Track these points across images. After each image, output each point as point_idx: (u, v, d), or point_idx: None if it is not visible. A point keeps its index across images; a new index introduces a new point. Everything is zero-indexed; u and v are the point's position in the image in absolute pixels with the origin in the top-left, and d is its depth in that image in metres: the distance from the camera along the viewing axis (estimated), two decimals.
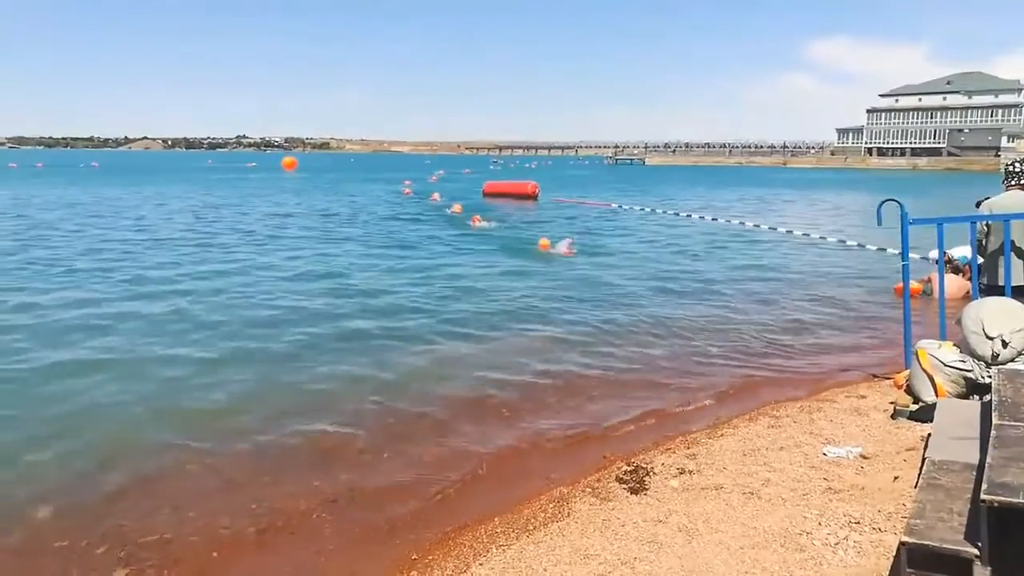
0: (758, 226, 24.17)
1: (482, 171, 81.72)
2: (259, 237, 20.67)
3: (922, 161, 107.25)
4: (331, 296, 12.19)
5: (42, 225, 22.88)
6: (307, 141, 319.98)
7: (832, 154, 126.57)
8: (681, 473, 5.29)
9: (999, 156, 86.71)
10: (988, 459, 3.44)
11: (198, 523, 4.90)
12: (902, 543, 3.29)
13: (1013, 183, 6.95)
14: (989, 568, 3.12)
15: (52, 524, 4.92)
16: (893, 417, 6.19)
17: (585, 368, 8.45)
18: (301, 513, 5.05)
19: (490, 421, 6.82)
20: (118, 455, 5.96)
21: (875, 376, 7.85)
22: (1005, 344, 5.76)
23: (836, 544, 4.03)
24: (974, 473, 3.77)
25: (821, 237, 20.80)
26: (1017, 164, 7.04)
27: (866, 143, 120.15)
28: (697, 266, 16.37)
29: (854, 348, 9.45)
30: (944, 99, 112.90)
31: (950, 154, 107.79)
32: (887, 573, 3.67)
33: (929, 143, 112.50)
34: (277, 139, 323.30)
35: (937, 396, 5.85)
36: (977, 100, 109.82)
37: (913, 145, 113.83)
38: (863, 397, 6.98)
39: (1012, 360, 5.75)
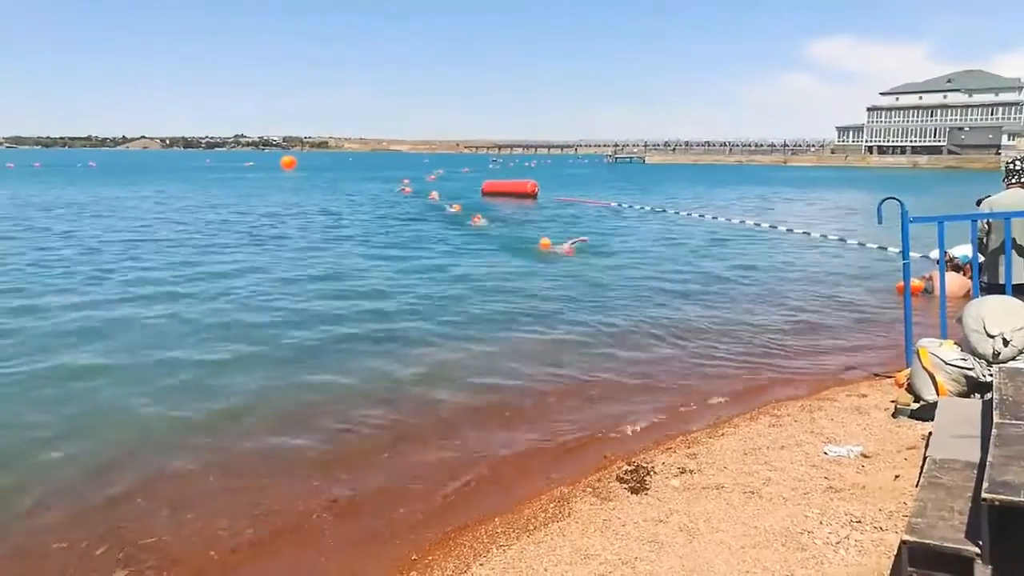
0: (758, 225, 24.17)
1: (481, 170, 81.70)
2: (258, 238, 20.62)
3: (922, 159, 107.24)
4: (330, 298, 12.16)
5: (39, 227, 22.81)
6: (305, 140, 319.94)
7: (832, 152, 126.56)
8: (682, 472, 5.28)
9: (999, 154, 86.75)
10: (989, 457, 3.43)
11: (197, 524, 4.89)
12: (903, 542, 3.28)
13: (1013, 181, 6.94)
14: (990, 567, 3.11)
15: (52, 525, 4.91)
16: (894, 416, 6.18)
17: (585, 368, 8.43)
18: (300, 514, 5.04)
19: (490, 421, 6.81)
20: (117, 457, 5.95)
21: (876, 375, 7.84)
22: (1006, 342, 5.76)
23: (837, 543, 4.02)
24: (975, 472, 3.76)
25: (822, 236, 20.79)
26: (1018, 162, 7.03)
27: (866, 141, 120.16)
28: (697, 265, 16.35)
29: (855, 347, 9.44)
30: (944, 97, 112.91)
31: (950, 152, 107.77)
32: (888, 572, 3.67)
33: (929, 141, 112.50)
34: (275, 138, 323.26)
35: (938, 395, 5.84)
36: (977, 98, 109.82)
37: (913, 143, 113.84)
38: (864, 396, 6.97)
39: (1013, 358, 5.74)
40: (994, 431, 3.77)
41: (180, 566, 4.43)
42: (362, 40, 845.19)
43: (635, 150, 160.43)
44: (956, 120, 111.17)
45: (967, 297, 8.87)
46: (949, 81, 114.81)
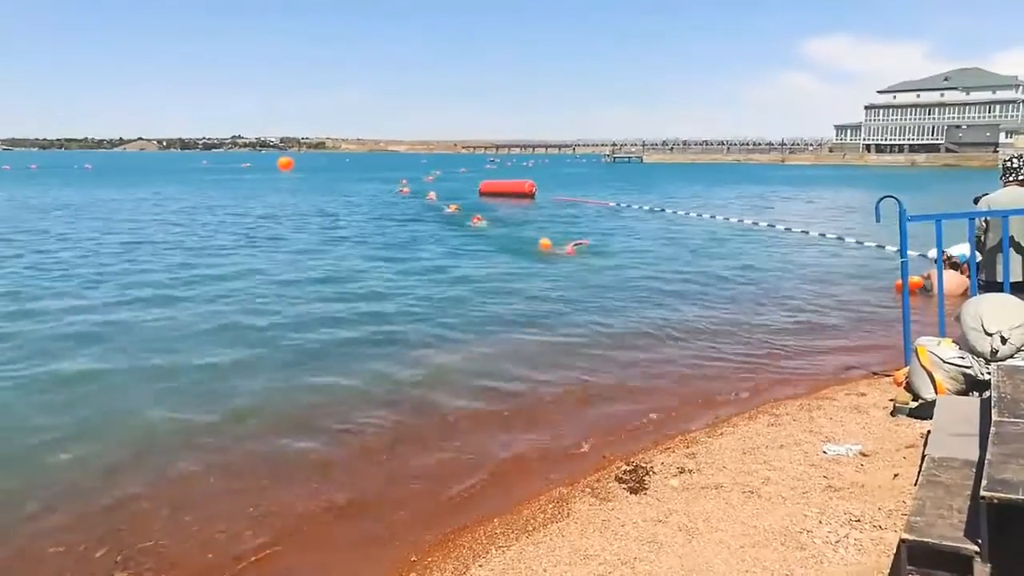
0: (756, 224, 24.17)
1: (478, 170, 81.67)
2: (255, 240, 20.58)
3: (920, 157, 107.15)
4: (329, 300, 12.15)
5: (36, 229, 22.78)
6: (303, 141, 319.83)
7: (830, 151, 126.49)
8: (681, 472, 5.28)
9: (997, 152, 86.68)
10: (988, 455, 3.43)
11: (196, 527, 4.88)
12: (902, 540, 3.28)
13: (1011, 179, 6.94)
14: (989, 564, 3.11)
15: (50, 527, 4.90)
16: (893, 414, 6.18)
17: (583, 368, 8.43)
18: (299, 516, 5.03)
19: (489, 423, 6.80)
20: (116, 460, 5.94)
21: (875, 373, 7.84)
22: (1004, 340, 5.76)
23: (837, 542, 4.02)
24: (974, 470, 3.76)
25: (820, 234, 20.79)
26: (1015, 160, 7.03)
27: (864, 140, 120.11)
28: (696, 265, 16.35)
29: (853, 345, 9.44)
30: (942, 95, 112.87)
31: (948, 150, 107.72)
32: (888, 570, 3.67)
33: (927, 139, 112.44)
34: (273, 139, 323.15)
35: (937, 393, 5.84)
36: (975, 96, 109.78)
37: (911, 141, 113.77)
38: (863, 394, 6.97)
39: (1011, 356, 5.74)
40: (992, 429, 3.77)
41: (179, 569, 4.43)
42: (360, 41, 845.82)
43: (633, 149, 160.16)
44: (954, 118, 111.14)
45: (965, 295, 8.87)
46: (946, 79, 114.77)
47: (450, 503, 5.26)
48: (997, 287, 6.63)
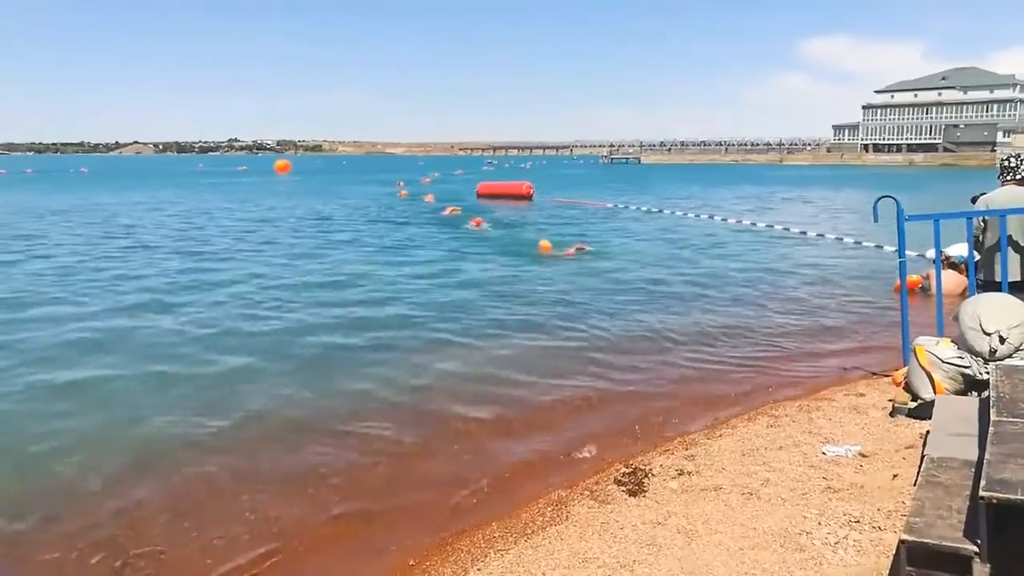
0: (755, 224, 24.16)
1: (476, 172, 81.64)
2: (253, 244, 20.50)
3: (918, 157, 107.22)
4: (327, 306, 12.07)
5: (33, 234, 22.72)
6: (299, 143, 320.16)
7: (828, 151, 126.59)
8: (680, 474, 5.27)
9: (995, 151, 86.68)
10: (986, 455, 3.42)
11: (194, 533, 4.86)
12: (902, 541, 3.27)
13: (1009, 178, 6.94)
14: (988, 565, 3.11)
15: (47, 534, 4.89)
16: (892, 415, 6.17)
17: (581, 371, 8.42)
18: (297, 522, 5.02)
19: (487, 426, 6.79)
20: (114, 466, 5.92)
21: (873, 374, 7.84)
22: (1003, 340, 5.75)
23: (836, 543, 4.02)
24: (973, 470, 3.75)
25: (818, 235, 20.79)
26: (1012, 159, 7.03)
27: (862, 139, 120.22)
28: (694, 267, 16.34)
29: (852, 346, 9.44)
30: (939, 95, 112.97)
31: (946, 150, 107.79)
32: (887, 571, 3.66)
33: (925, 139, 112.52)
34: (269, 142, 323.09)
35: (935, 393, 5.84)
36: (972, 95, 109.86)
37: (909, 141, 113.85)
38: (862, 395, 6.97)
39: (1010, 356, 5.74)
40: (991, 429, 3.76)
41: (176, 575, 4.41)
42: (359, 42, 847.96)
43: (631, 150, 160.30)
44: (951, 117, 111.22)
45: (964, 295, 8.87)
46: (944, 79, 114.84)
47: (448, 507, 5.25)
48: (995, 287, 6.63)
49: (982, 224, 6.87)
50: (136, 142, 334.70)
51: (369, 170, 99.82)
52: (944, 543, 3.17)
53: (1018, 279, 6.61)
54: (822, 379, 7.95)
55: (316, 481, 5.64)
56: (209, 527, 4.93)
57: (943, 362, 5.95)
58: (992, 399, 4.21)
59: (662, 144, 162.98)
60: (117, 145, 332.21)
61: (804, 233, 21.35)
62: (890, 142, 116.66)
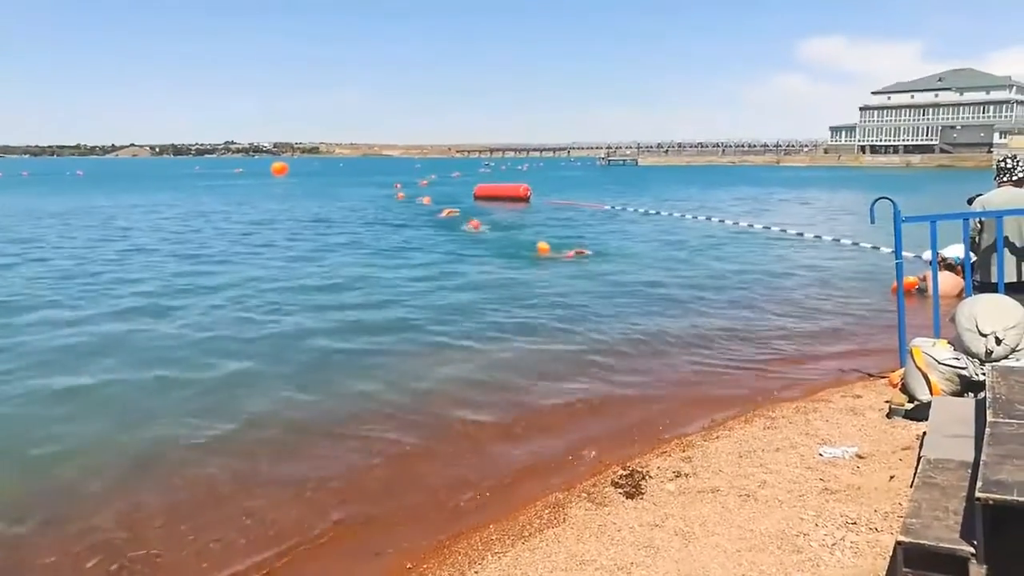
0: (752, 226, 24.20)
1: (473, 174, 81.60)
2: (250, 247, 20.43)
3: (915, 158, 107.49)
4: (325, 309, 12.01)
5: (29, 238, 22.65)
6: (296, 146, 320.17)
7: (825, 152, 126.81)
8: (677, 476, 5.27)
9: (991, 152, 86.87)
10: (983, 457, 3.43)
11: (191, 536, 4.86)
12: (898, 543, 3.27)
13: (1005, 179, 6.94)
14: (985, 566, 3.11)
15: (41, 537, 4.88)
16: (888, 416, 6.18)
17: (579, 374, 8.42)
18: (294, 525, 5.01)
19: (485, 429, 6.78)
20: (108, 468, 5.92)
21: (870, 375, 7.85)
22: (999, 341, 5.75)
23: (833, 545, 4.02)
24: (969, 471, 3.75)
25: (815, 236, 20.82)
26: (1009, 160, 7.04)
27: (859, 141, 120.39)
28: (691, 269, 16.36)
29: (849, 347, 9.44)
30: (936, 96, 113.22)
31: (943, 151, 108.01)
32: (884, 573, 3.66)
33: (922, 140, 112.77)
34: (266, 144, 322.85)
35: (932, 394, 5.84)
36: (969, 97, 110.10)
37: (906, 142, 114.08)
38: (858, 397, 6.97)
39: (1006, 357, 5.74)
40: (987, 430, 3.77)
41: None
42: (357, 43, 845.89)
43: (628, 152, 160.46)
44: (948, 119, 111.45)
45: (961, 296, 8.88)
46: (940, 80, 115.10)
47: (446, 510, 5.24)
48: (992, 288, 6.63)
49: (979, 225, 6.88)
50: (132, 144, 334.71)
51: (366, 172, 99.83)
52: (941, 544, 3.18)
53: (1014, 280, 6.62)
54: (819, 381, 7.95)
55: (313, 484, 5.63)
56: (206, 530, 4.92)
57: (939, 363, 5.95)
58: (988, 400, 4.22)
59: (659, 146, 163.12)
60: (113, 148, 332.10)
61: (801, 235, 21.39)
62: (887, 143, 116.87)
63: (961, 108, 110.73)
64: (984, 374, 5.30)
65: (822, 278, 14.77)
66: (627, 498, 4.98)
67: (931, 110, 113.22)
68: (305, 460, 6.10)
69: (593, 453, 6.10)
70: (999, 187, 6.96)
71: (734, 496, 4.81)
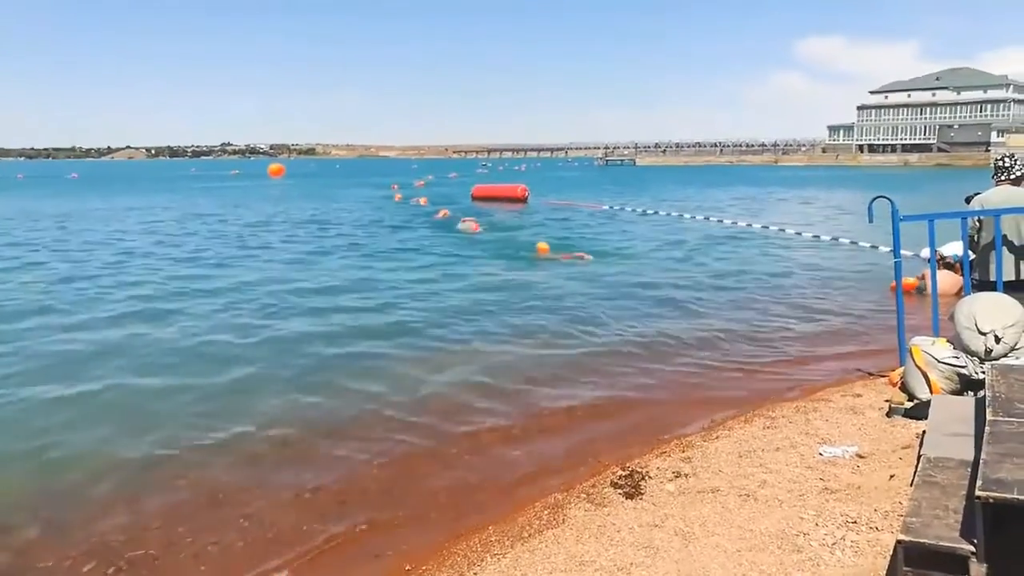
0: (750, 226, 24.19)
1: (470, 175, 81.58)
2: (246, 250, 20.30)
3: (913, 157, 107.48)
4: (322, 313, 11.91)
5: (25, 241, 22.59)
6: (292, 147, 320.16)
7: (823, 151, 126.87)
8: (676, 477, 5.26)
9: (989, 151, 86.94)
10: (983, 455, 3.42)
11: (188, 539, 4.84)
12: (899, 541, 3.27)
13: (1003, 178, 6.94)
14: (985, 564, 3.10)
15: (37, 540, 4.87)
16: (888, 415, 6.17)
17: (577, 374, 8.41)
18: (291, 528, 4.99)
19: (484, 430, 6.77)
20: (105, 470, 5.90)
21: (870, 374, 7.84)
22: (998, 339, 5.75)
23: (833, 544, 4.01)
24: (969, 469, 3.74)
25: (814, 236, 20.82)
26: (1007, 159, 7.04)
27: (857, 140, 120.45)
28: (690, 269, 16.36)
29: (848, 346, 9.44)
30: (933, 95, 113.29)
31: (940, 150, 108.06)
32: (884, 572, 3.65)
33: (919, 139, 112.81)
34: (262, 146, 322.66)
35: (932, 393, 5.83)
36: (966, 96, 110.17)
37: (904, 141, 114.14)
38: (858, 396, 6.96)
39: (1005, 355, 5.74)
40: (987, 428, 3.76)
41: None
42: (355, 44, 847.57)
43: (626, 152, 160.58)
44: (945, 118, 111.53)
45: (959, 295, 8.88)
46: (937, 79, 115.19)
47: (445, 511, 5.23)
48: (990, 286, 6.62)
49: (977, 224, 6.88)
50: (128, 147, 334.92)
51: (363, 173, 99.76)
52: (941, 543, 3.17)
53: (1013, 278, 6.62)
54: (819, 380, 7.94)
55: (312, 487, 5.62)
56: (204, 533, 4.91)
57: (939, 362, 5.95)
58: (988, 399, 4.21)
59: (657, 146, 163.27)
60: (109, 150, 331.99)
61: (800, 234, 21.38)
62: (885, 142, 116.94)
63: (958, 107, 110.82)
64: (983, 372, 5.29)
65: (821, 277, 14.77)
66: (627, 498, 4.97)
67: (928, 109, 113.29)
68: (304, 463, 6.09)
69: (592, 454, 6.08)
70: (997, 186, 6.96)
71: (734, 496, 4.80)
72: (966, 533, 3.18)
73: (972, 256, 7.08)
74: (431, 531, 4.93)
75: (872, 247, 16.80)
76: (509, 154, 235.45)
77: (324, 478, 5.76)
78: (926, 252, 10.45)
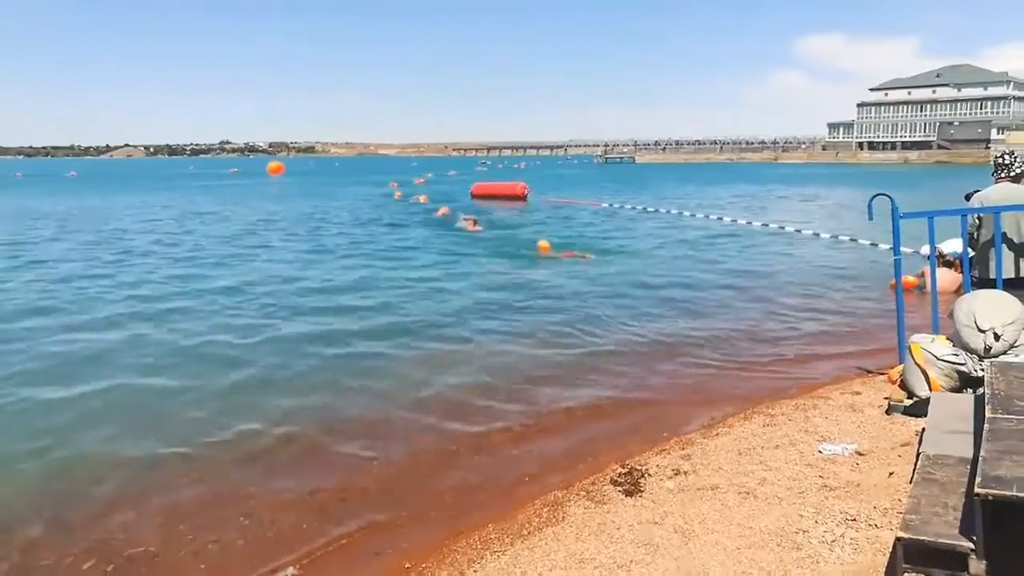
0: (750, 223, 24.21)
1: (469, 172, 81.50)
2: (244, 248, 20.28)
3: (913, 155, 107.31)
4: (322, 313, 11.88)
5: (24, 241, 22.57)
6: (291, 145, 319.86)
7: (823, 149, 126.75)
8: (676, 474, 5.26)
9: (989, 148, 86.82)
10: (982, 452, 3.43)
11: (189, 536, 4.85)
12: (898, 539, 3.27)
13: (1003, 175, 6.94)
14: (984, 561, 3.11)
15: (37, 539, 4.87)
16: (888, 412, 6.17)
17: (577, 372, 8.42)
18: (291, 525, 5.00)
19: (483, 427, 6.77)
20: (105, 469, 5.91)
21: (869, 372, 7.84)
22: (997, 337, 5.76)
23: (833, 542, 4.01)
24: (968, 467, 3.75)
25: (814, 233, 20.84)
26: (1007, 156, 7.04)
27: (857, 137, 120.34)
28: (689, 267, 16.34)
29: (848, 344, 9.43)
30: (933, 92, 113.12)
31: (940, 147, 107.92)
32: (884, 569, 3.66)
33: (919, 136, 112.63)
34: (261, 144, 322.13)
35: (931, 390, 5.84)
36: (966, 93, 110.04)
37: (903, 139, 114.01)
38: (858, 393, 6.96)
39: (1004, 353, 5.74)
40: (986, 426, 3.76)
41: None
42: (355, 43, 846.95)
43: (625, 150, 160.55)
44: (945, 115, 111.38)
45: (959, 292, 8.88)
46: (938, 76, 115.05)
47: (445, 509, 5.23)
48: (990, 284, 6.63)
49: (977, 221, 6.88)
50: (127, 145, 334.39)
51: (362, 171, 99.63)
52: (940, 540, 3.18)
53: (1012, 276, 6.62)
54: (818, 377, 7.94)
55: (312, 485, 5.62)
56: (204, 531, 4.91)
57: (938, 359, 5.95)
58: (987, 396, 4.21)
59: (657, 143, 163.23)
60: (108, 148, 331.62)
61: (799, 231, 21.40)
62: (885, 140, 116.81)
63: (958, 104, 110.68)
64: (983, 370, 5.30)
65: (820, 275, 14.76)
66: (626, 496, 4.97)
67: (929, 106, 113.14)
68: (304, 461, 6.09)
69: (592, 451, 6.09)
70: (997, 183, 6.96)
71: (734, 493, 4.81)
72: (965, 530, 3.18)
73: (972, 254, 7.08)
74: (431, 529, 4.93)
75: (872, 244, 16.82)
76: (508, 152, 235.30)
77: (324, 477, 5.76)
78: (926, 250, 10.47)
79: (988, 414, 3.92)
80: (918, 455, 4.22)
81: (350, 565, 4.55)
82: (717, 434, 6.15)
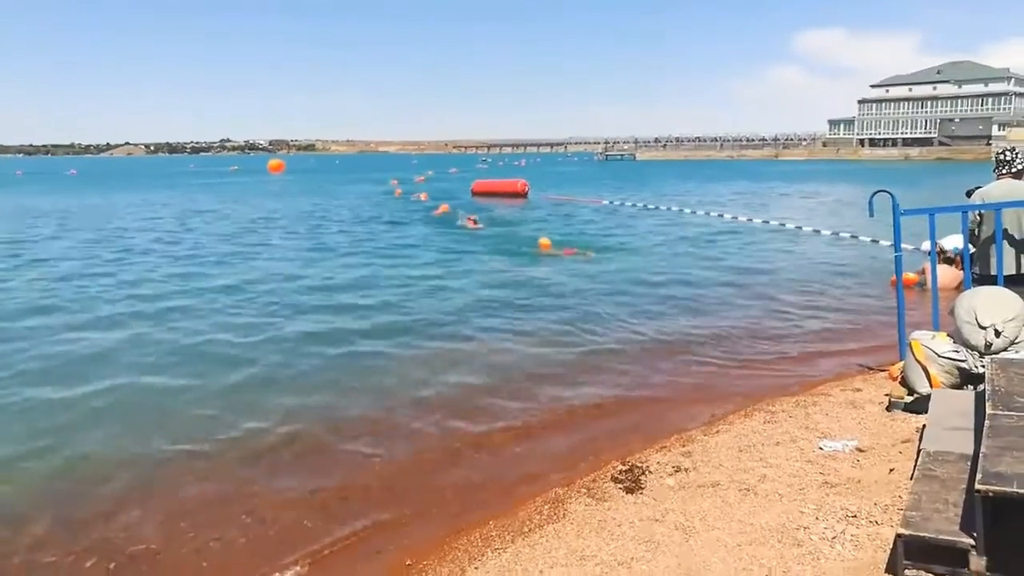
0: (751, 220, 24.19)
1: (470, 170, 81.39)
2: (245, 246, 20.27)
3: (914, 151, 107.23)
4: (322, 312, 11.86)
5: (24, 239, 22.59)
6: (292, 143, 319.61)
7: (824, 145, 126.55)
8: (677, 471, 5.27)
9: (990, 145, 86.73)
10: (982, 449, 3.43)
11: (190, 534, 4.86)
12: (898, 535, 3.28)
13: (1004, 172, 6.93)
14: (984, 557, 3.11)
15: (41, 537, 4.88)
16: (888, 409, 6.17)
17: (578, 369, 8.43)
18: (293, 522, 5.01)
19: (484, 425, 6.78)
20: (108, 468, 5.91)
21: (870, 368, 7.84)
22: (998, 333, 5.75)
23: (833, 538, 4.01)
24: (969, 463, 3.75)
25: (815, 230, 20.83)
26: (1008, 152, 7.03)
27: (858, 134, 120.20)
28: (691, 263, 16.35)
29: (848, 341, 9.44)
30: (934, 88, 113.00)
31: (941, 144, 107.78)
32: (884, 565, 3.66)
33: (920, 133, 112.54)
34: (262, 142, 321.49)
35: (931, 387, 5.84)
36: (967, 89, 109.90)
37: (904, 135, 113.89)
38: (858, 390, 6.97)
39: (1005, 349, 5.74)
40: (987, 422, 3.77)
41: None
42: (356, 43, 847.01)
43: (626, 147, 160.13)
44: (946, 111, 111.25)
45: (960, 289, 8.88)
46: (938, 72, 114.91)
47: (446, 506, 5.24)
48: (991, 280, 6.62)
49: (978, 218, 6.87)
50: (127, 143, 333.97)
51: (362, 169, 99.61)
52: (941, 536, 3.18)
53: (1013, 272, 6.61)
54: (819, 374, 7.94)
55: (314, 483, 5.63)
56: (205, 529, 4.92)
57: (939, 356, 5.95)
58: (988, 393, 4.22)
59: (657, 140, 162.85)
60: (108, 146, 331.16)
61: (800, 228, 21.38)
62: (886, 136, 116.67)
63: (959, 101, 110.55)
64: (983, 366, 5.30)
65: (821, 272, 14.76)
66: (627, 493, 4.98)
67: (929, 103, 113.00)
68: (306, 459, 6.10)
69: (592, 449, 6.09)
70: (998, 179, 6.95)
71: (734, 490, 4.81)
72: (966, 526, 3.19)
73: (972, 250, 7.08)
74: (432, 526, 4.94)
75: (873, 241, 16.81)
76: (509, 149, 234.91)
77: (326, 475, 5.77)
78: (927, 246, 10.46)
79: (989, 410, 3.93)
80: (919, 451, 4.23)
81: (352, 563, 4.56)
82: (718, 431, 6.16)
